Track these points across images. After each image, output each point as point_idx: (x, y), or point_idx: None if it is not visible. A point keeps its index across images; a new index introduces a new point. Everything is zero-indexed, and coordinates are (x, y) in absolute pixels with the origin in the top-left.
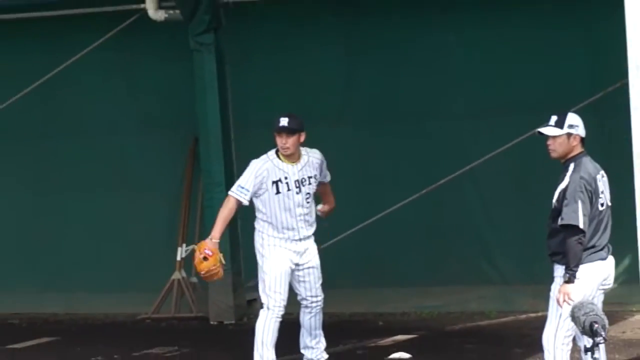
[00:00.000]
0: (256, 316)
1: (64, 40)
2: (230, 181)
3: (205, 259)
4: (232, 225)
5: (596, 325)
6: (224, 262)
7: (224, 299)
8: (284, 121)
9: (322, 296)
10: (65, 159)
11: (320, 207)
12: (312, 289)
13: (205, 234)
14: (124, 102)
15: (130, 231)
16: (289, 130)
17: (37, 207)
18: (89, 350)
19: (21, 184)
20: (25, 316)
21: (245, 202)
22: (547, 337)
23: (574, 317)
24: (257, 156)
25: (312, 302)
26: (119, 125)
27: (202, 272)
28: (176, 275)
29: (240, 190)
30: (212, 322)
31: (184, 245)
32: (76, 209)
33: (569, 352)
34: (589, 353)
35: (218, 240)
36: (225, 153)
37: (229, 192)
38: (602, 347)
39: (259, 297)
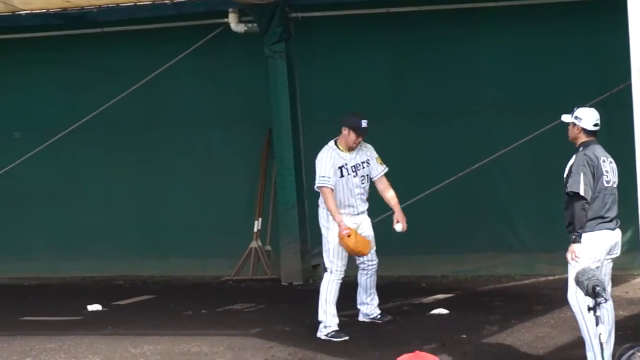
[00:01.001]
0: (320, 278)
1: (163, 47)
2: (298, 166)
3: (348, 236)
4: (299, 203)
5: (597, 288)
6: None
7: (293, 264)
8: (365, 123)
9: (377, 260)
10: (164, 146)
11: (397, 226)
12: (368, 254)
13: (277, 209)
14: (211, 100)
15: (216, 207)
16: (367, 132)
17: (141, 187)
18: (181, 306)
19: (129, 166)
20: (127, 278)
21: (333, 187)
22: (571, 296)
23: (578, 282)
24: (320, 143)
25: (368, 266)
26: (207, 119)
27: (351, 246)
28: (253, 244)
29: (324, 179)
30: (283, 283)
31: (260, 218)
32: (172, 188)
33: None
34: (592, 311)
35: (343, 221)
36: (294, 142)
37: (318, 186)
38: (609, 304)
39: (322, 262)
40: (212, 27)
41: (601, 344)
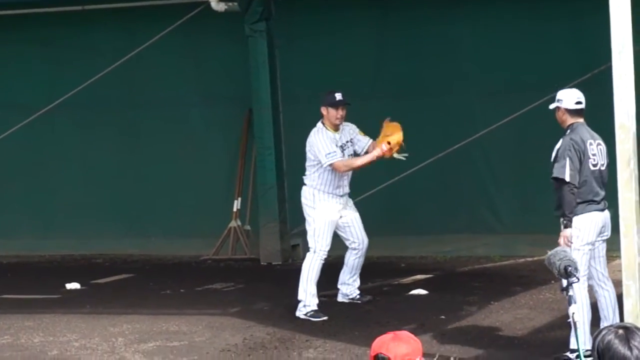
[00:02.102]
0: (299, 258)
1: (142, 26)
2: (278, 146)
3: (390, 148)
4: (279, 183)
5: (570, 268)
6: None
7: (273, 244)
8: (339, 95)
9: (367, 240)
10: (144, 125)
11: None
12: (359, 232)
13: (256, 188)
14: (191, 79)
15: (195, 186)
16: (345, 103)
17: (121, 165)
18: (159, 285)
19: (109, 145)
20: (107, 256)
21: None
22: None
23: (550, 263)
24: (301, 123)
25: (359, 245)
26: (187, 98)
27: (394, 142)
28: (233, 224)
29: (332, 155)
30: (262, 263)
31: (240, 198)
32: (152, 167)
33: (586, 288)
34: (565, 291)
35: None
36: (274, 122)
37: (331, 162)
38: (609, 286)
39: (302, 242)
40: (193, 6)
41: (574, 323)
